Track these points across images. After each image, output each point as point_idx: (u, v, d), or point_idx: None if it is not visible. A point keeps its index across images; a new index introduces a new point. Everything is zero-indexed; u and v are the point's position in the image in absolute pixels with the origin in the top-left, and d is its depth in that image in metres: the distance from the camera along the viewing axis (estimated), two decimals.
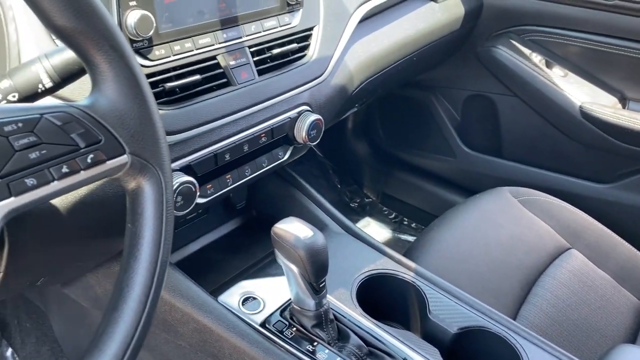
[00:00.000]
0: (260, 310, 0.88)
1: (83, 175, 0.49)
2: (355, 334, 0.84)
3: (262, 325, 0.85)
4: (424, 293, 0.94)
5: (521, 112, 1.72)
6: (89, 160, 0.49)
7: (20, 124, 0.46)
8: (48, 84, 0.58)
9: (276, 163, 1.00)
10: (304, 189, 1.12)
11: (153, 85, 0.77)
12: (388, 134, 2.05)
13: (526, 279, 1.17)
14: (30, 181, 0.46)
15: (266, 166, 0.98)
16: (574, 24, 1.58)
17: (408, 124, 2.00)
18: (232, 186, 0.92)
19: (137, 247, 0.53)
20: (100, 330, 0.51)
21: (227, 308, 0.87)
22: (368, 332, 0.85)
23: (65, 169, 0.47)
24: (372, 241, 1.04)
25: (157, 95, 0.78)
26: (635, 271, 1.26)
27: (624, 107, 1.61)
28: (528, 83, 1.64)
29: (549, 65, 1.64)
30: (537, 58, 1.64)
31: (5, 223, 0.45)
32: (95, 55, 0.50)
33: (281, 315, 0.87)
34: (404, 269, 0.98)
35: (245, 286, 0.92)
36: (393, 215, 2.06)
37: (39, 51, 0.66)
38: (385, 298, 0.97)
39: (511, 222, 1.29)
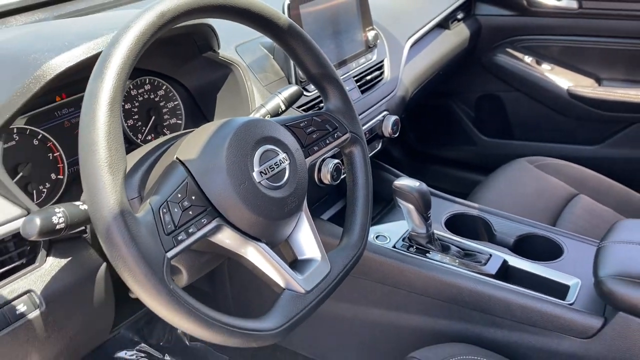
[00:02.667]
0: (389, 242, 1.34)
1: (333, 144, 0.96)
2: (453, 245, 1.31)
3: (393, 247, 1.32)
4: (489, 221, 1.41)
5: (523, 101, 2.21)
6: (335, 136, 0.96)
7: (305, 122, 0.94)
8: (283, 108, 1.06)
9: (375, 151, 1.49)
10: (388, 170, 1.60)
11: (312, 107, 1.25)
12: (418, 136, 2.51)
13: (552, 217, 1.59)
14: (316, 147, 0.93)
15: (370, 153, 1.46)
16: (553, 30, 2.09)
17: (433, 125, 2.46)
18: None
19: (357, 180, 1.00)
20: (347, 226, 0.97)
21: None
22: (461, 243, 1.32)
23: (328, 141, 0.95)
24: (445, 195, 1.52)
25: None
26: (631, 204, 1.64)
27: (599, 85, 2.11)
28: (525, 79, 2.14)
29: (538, 63, 2.14)
30: (529, 59, 2.14)
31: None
32: (328, 85, 0.97)
33: (403, 241, 1.34)
34: (471, 209, 1.46)
35: (373, 230, 1.39)
36: None
37: (260, 95, 1.15)
38: (462, 228, 1.43)
39: (532, 181, 1.73)
